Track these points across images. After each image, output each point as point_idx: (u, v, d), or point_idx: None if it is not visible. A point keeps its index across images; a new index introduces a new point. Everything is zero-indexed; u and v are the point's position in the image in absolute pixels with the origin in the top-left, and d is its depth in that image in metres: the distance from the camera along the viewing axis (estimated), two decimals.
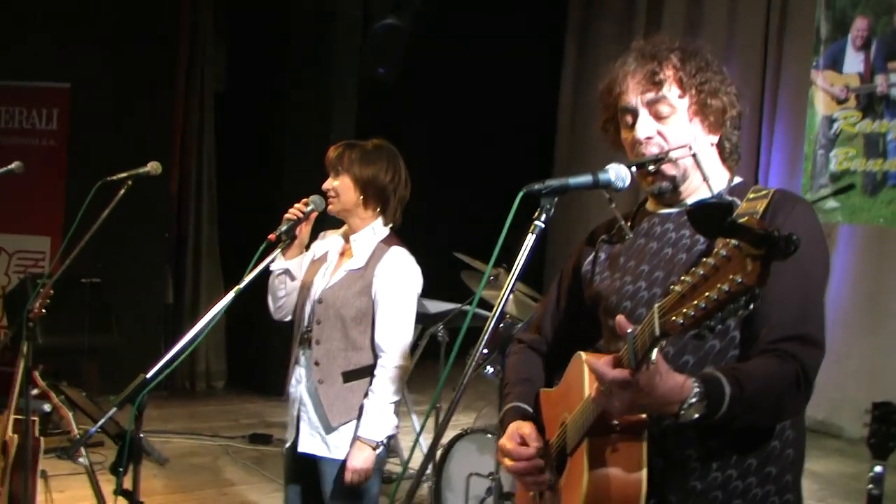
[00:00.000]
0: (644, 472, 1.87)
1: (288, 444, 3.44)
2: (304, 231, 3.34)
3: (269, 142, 8.57)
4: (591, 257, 2.29)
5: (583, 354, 2.06)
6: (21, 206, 6.87)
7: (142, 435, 2.90)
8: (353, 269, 3.33)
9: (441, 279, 5.19)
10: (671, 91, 2.07)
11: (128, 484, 2.78)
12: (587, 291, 2.25)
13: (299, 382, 3.38)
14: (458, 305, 5.50)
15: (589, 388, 1.95)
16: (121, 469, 2.77)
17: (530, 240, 1.91)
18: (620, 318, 1.80)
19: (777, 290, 1.89)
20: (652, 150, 2.08)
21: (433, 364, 5.60)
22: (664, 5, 9.37)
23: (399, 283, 3.32)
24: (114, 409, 2.86)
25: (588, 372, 1.98)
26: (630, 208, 2.30)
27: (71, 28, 7.46)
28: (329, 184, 3.38)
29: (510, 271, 1.95)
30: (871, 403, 3.36)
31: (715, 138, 2.12)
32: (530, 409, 2.26)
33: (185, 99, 8.40)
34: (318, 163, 8.36)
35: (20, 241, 7.26)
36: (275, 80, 8.58)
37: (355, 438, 3.27)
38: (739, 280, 1.49)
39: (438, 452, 4.76)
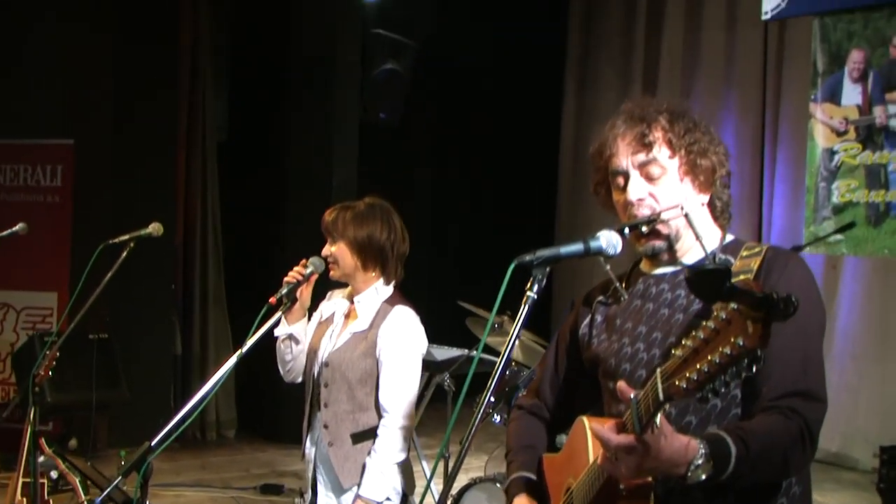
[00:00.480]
0: None
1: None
2: (304, 293, 3.35)
3: (271, 189, 8.61)
4: (587, 319, 2.30)
5: (585, 419, 2.06)
6: (27, 263, 6.89)
7: (147, 502, 2.89)
8: (358, 331, 3.34)
9: (446, 326, 5.21)
10: (661, 152, 2.09)
11: None
12: (585, 354, 2.27)
13: (314, 445, 3.40)
14: (465, 351, 5.50)
15: (593, 453, 1.96)
16: None
17: (523, 310, 1.92)
18: (622, 384, 1.81)
19: (777, 348, 1.89)
20: (644, 211, 2.09)
21: (441, 407, 5.61)
22: (662, 41, 9.40)
23: (402, 343, 3.33)
24: (119, 478, 2.87)
25: (592, 437, 1.99)
26: (625, 268, 2.31)
27: (73, 84, 7.53)
28: (328, 249, 3.40)
29: (514, 318, 1.97)
30: (878, 447, 3.36)
31: (706, 198, 2.15)
32: (534, 478, 2.27)
33: (188, 149, 8.45)
34: (321, 209, 8.45)
35: (27, 297, 7.28)
36: (275, 127, 8.63)
37: (356, 498, 3.28)
38: (741, 343, 1.50)
39: (449, 502, 4.76)
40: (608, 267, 2.19)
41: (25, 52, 7.44)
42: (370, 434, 3.32)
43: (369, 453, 3.28)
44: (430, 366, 5.70)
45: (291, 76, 8.47)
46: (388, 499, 3.28)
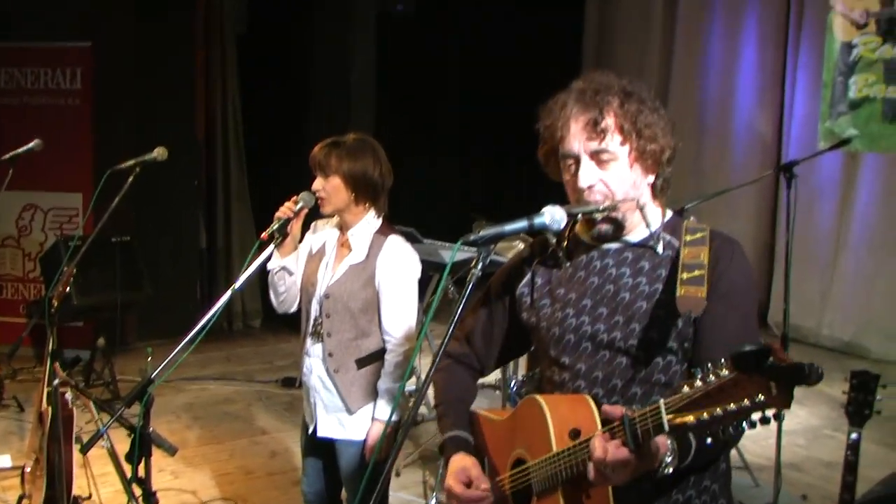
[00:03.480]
0: None
1: (310, 430, 3.63)
2: (295, 228, 3.45)
3: (290, 82, 8.64)
4: (527, 279, 2.35)
5: (543, 402, 2.13)
6: (52, 165, 7.05)
7: (151, 429, 3.08)
8: (355, 263, 3.45)
9: (461, 226, 5.33)
10: (613, 139, 2.12)
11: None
12: (525, 314, 2.33)
13: (311, 372, 3.56)
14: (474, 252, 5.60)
15: (556, 441, 2.06)
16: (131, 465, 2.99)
17: (468, 288, 2.01)
18: (611, 408, 1.90)
19: (721, 331, 2.06)
20: (596, 196, 2.13)
21: (448, 308, 5.78)
22: None
23: (399, 271, 3.45)
24: (122, 409, 3.04)
25: (552, 423, 2.08)
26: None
27: None
28: (319, 184, 3.45)
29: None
30: (849, 372, 3.47)
31: (651, 178, 2.19)
32: (470, 438, 2.36)
33: (207, 43, 8.47)
34: (340, 103, 8.48)
35: (53, 198, 7.48)
36: (294, 19, 8.61)
37: (373, 420, 3.47)
38: (761, 399, 1.58)
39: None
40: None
41: None
42: (373, 357, 3.48)
43: (380, 377, 3.47)
44: (438, 268, 5.84)
45: None
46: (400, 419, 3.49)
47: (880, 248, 8.02)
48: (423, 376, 6.37)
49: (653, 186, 2.21)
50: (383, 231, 3.50)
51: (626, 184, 2.14)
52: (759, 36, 8.81)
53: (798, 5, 8.39)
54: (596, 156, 2.13)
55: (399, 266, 3.45)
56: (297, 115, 8.56)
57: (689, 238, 2.14)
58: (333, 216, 3.56)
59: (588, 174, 2.13)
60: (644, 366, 2.14)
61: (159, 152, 4.12)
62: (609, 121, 2.11)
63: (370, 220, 3.50)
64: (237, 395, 6.86)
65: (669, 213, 2.26)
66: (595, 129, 2.11)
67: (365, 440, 3.49)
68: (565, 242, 2.31)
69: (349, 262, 3.47)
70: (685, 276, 2.07)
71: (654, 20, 9.59)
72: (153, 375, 3.06)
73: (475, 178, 9.50)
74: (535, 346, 2.37)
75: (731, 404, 1.61)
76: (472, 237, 2.03)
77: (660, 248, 2.18)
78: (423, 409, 6.00)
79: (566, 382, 2.22)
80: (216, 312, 3.17)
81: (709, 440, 1.74)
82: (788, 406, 1.59)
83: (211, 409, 6.53)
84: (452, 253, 2.01)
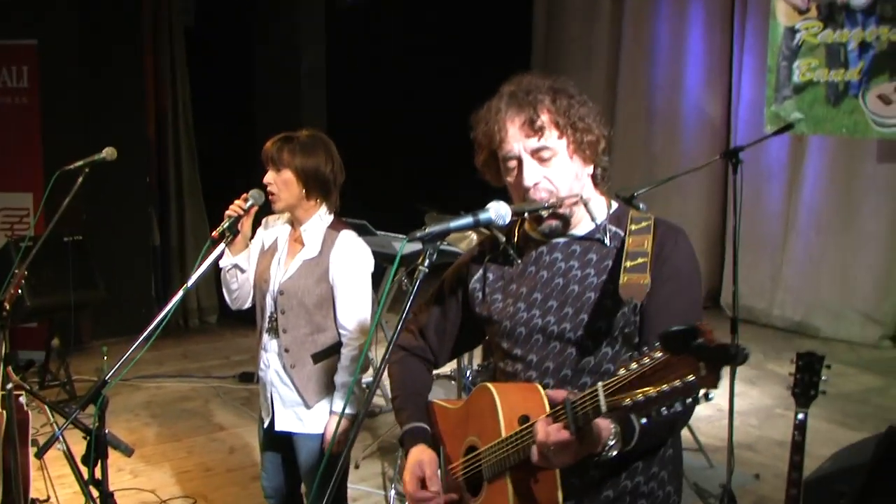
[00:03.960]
0: (559, 493, 2.05)
1: (266, 424, 3.65)
2: (245, 225, 3.46)
3: (240, 77, 8.60)
4: (479, 275, 2.40)
5: (493, 389, 2.18)
6: (1, 165, 6.97)
7: (107, 431, 3.08)
8: (308, 258, 3.48)
9: (411, 219, 5.35)
10: (551, 135, 2.16)
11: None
12: (478, 309, 2.38)
13: (268, 367, 3.58)
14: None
15: (505, 427, 2.11)
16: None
17: (415, 285, 2.05)
18: (552, 393, 1.97)
19: (666, 316, 2.09)
20: (541, 194, 2.18)
21: (401, 298, 5.81)
22: None
23: (353, 266, 3.48)
24: (76, 412, 3.04)
25: (502, 410, 2.13)
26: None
27: None
28: (270, 178, 3.46)
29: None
30: (795, 354, 3.54)
31: (591, 169, 2.24)
32: (428, 428, 2.41)
33: (154, 37, 8.40)
34: (290, 96, 8.42)
35: (4, 198, 7.38)
36: (242, 12, 8.56)
37: (330, 413, 3.51)
38: (692, 380, 1.63)
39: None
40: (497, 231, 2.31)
41: None
42: (329, 352, 3.52)
43: (337, 371, 3.50)
44: (390, 259, 5.87)
45: None
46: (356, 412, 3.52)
47: (826, 230, 8.17)
48: (378, 367, 6.40)
49: (593, 177, 2.26)
50: (335, 226, 3.53)
51: (569, 177, 2.19)
52: (706, 20, 8.92)
53: None
54: (536, 154, 2.17)
55: (352, 261, 3.49)
56: (248, 110, 8.52)
57: (633, 227, 2.19)
58: (285, 213, 3.58)
59: (531, 173, 2.18)
60: (592, 355, 2.18)
61: (108, 152, 4.10)
62: (544, 118, 2.16)
63: (322, 216, 3.52)
64: (194, 392, 6.85)
65: (615, 205, 2.30)
66: (532, 128, 2.16)
67: (323, 434, 3.53)
68: (515, 239, 2.36)
69: (302, 258, 3.50)
70: (628, 264, 2.11)
71: (602, 7, 9.66)
72: (107, 377, 3.06)
73: (426, 170, 9.51)
74: (489, 338, 2.42)
75: (664, 385, 1.66)
76: (418, 234, 2.06)
77: (606, 240, 2.22)
78: (381, 402, 6.04)
79: (518, 373, 2.27)
80: (170, 311, 3.17)
81: (644, 420, 1.81)
82: (716, 386, 1.63)
83: (168, 406, 6.51)
84: (400, 249, 2.03)
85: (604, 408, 1.79)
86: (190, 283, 3.26)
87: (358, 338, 3.50)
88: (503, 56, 10.23)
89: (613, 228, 2.24)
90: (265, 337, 3.58)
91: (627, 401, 1.72)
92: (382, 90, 10.01)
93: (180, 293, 3.24)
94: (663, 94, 9.30)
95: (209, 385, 7.00)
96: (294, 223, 3.57)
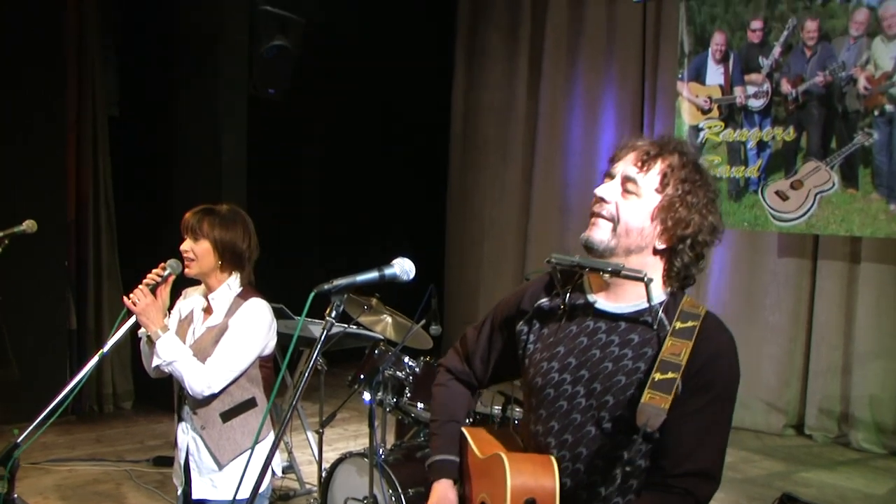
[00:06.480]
0: None
1: (180, 491, 3.69)
2: (163, 293, 3.57)
3: (162, 165, 8.69)
4: (527, 318, 2.40)
5: (506, 460, 2.22)
6: None
7: (16, 495, 3.11)
8: (213, 325, 3.59)
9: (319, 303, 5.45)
10: (651, 179, 2.18)
11: None
12: (520, 351, 2.40)
13: (185, 433, 3.65)
14: (343, 328, 5.74)
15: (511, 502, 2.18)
16: None
17: (323, 334, 2.18)
18: None
19: (688, 424, 2.11)
20: (602, 211, 2.20)
21: (317, 384, 5.88)
22: (547, 13, 9.68)
23: (245, 325, 3.55)
24: None
25: (511, 487, 2.17)
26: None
27: None
28: (188, 246, 3.59)
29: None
30: (782, 494, 3.66)
31: (662, 246, 2.20)
32: (456, 459, 2.47)
33: (79, 125, 8.46)
34: (211, 184, 8.49)
35: None
36: (165, 103, 8.69)
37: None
38: None
39: (323, 475, 5.05)
40: (561, 283, 2.33)
41: None
42: (238, 410, 3.60)
43: (245, 429, 3.57)
44: (306, 342, 5.96)
45: (180, 52, 8.52)
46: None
47: (733, 322, 8.30)
48: (293, 452, 6.41)
49: (667, 262, 2.21)
50: (245, 294, 3.65)
51: (636, 222, 2.17)
52: (617, 120, 9.30)
53: (651, 90, 8.90)
54: (627, 181, 2.19)
55: (247, 321, 3.56)
56: (167, 194, 8.58)
57: (678, 325, 2.14)
58: (198, 280, 3.68)
59: (610, 190, 2.21)
60: (609, 440, 2.18)
61: (29, 225, 4.20)
62: (659, 163, 2.18)
63: (231, 285, 3.64)
64: (107, 476, 6.76)
65: (668, 290, 2.25)
66: (641, 160, 2.19)
67: (234, 498, 3.55)
68: (569, 288, 2.33)
69: (208, 325, 3.60)
70: (657, 376, 2.07)
71: (518, 108, 9.99)
72: (19, 440, 3.11)
73: (339, 253, 9.67)
74: (521, 382, 2.43)
75: None
76: (325, 286, 2.20)
77: (654, 325, 2.19)
78: (295, 485, 6.05)
79: (538, 436, 2.29)
80: (84, 376, 3.26)
81: None
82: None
83: (80, 489, 6.42)
84: (307, 302, 2.16)
85: None
86: (106, 348, 3.35)
87: (211, 375, 3.48)
88: (421, 154, 10.57)
89: (662, 316, 2.20)
90: (178, 403, 3.65)
91: None
92: (302, 182, 10.25)
93: (95, 358, 3.33)
94: (577, 192, 9.59)
95: (122, 469, 6.91)
96: (206, 292, 3.67)
